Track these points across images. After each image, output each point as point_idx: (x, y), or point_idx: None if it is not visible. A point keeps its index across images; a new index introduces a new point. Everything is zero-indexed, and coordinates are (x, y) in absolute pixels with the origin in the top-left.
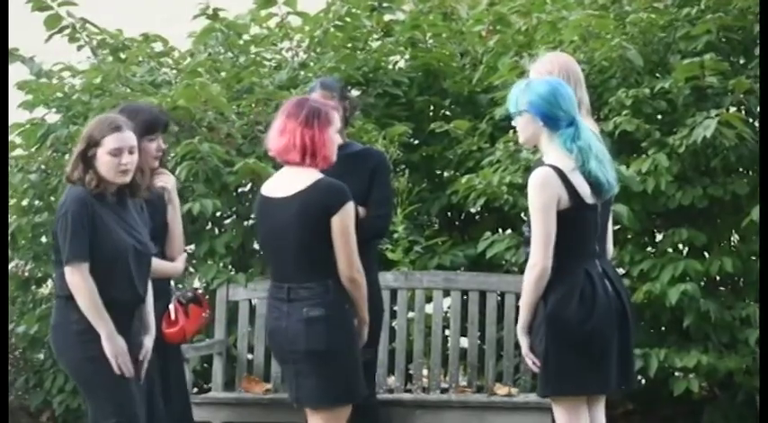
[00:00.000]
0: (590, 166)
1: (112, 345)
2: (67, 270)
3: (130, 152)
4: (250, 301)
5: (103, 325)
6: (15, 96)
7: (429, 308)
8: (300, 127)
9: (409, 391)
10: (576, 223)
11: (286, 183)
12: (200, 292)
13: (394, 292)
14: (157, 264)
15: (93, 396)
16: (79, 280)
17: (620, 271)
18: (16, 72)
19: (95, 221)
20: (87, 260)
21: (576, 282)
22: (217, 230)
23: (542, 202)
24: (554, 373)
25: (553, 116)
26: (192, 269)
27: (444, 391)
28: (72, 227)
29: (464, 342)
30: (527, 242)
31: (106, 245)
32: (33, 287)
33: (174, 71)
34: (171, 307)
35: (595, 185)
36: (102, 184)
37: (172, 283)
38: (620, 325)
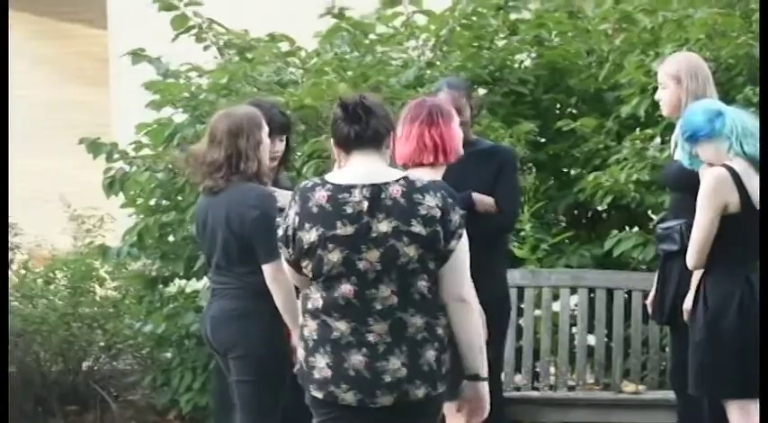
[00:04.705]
0: (736, 148)
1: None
2: (273, 267)
3: None
4: None
5: (297, 322)
6: (142, 96)
7: (556, 305)
8: (427, 127)
9: (536, 388)
10: (741, 228)
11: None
12: None
13: (521, 290)
14: None
15: (266, 386)
16: (284, 276)
17: None
18: (143, 72)
19: None
20: None
21: (735, 289)
22: None
23: (709, 206)
24: (711, 376)
25: (701, 130)
26: None
27: (571, 388)
28: (274, 225)
29: (591, 339)
30: (660, 239)
31: None
32: (160, 286)
33: (301, 70)
34: None
35: (753, 163)
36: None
37: None
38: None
